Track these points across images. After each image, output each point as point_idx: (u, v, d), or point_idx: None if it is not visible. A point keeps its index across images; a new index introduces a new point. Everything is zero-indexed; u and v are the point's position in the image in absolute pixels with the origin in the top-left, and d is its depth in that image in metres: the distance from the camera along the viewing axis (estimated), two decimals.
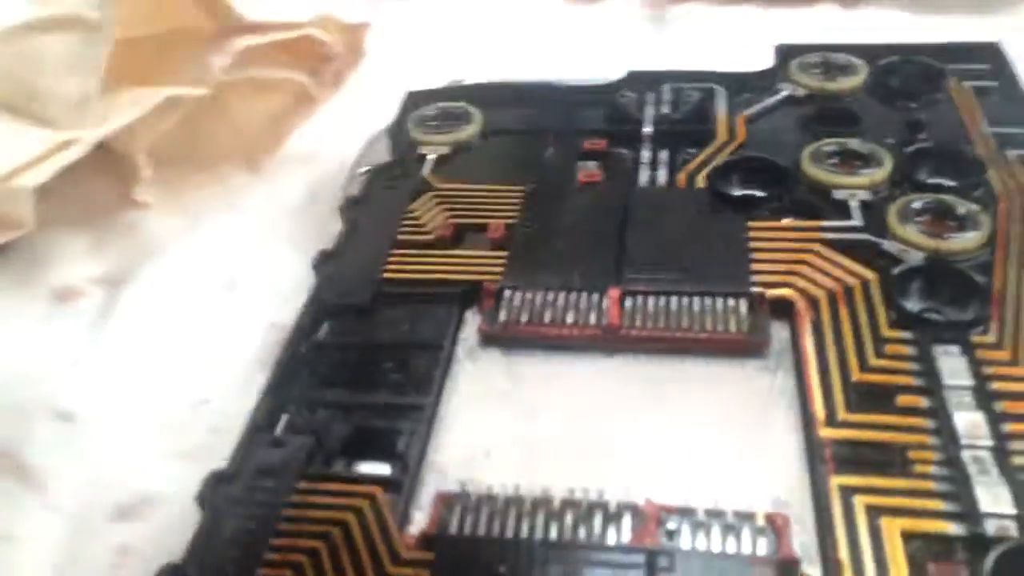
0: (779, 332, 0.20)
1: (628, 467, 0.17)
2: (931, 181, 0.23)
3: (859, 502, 0.15)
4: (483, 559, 0.15)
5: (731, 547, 0.15)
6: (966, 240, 0.20)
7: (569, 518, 0.16)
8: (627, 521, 0.15)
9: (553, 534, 0.15)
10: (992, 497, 0.15)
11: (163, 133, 0.26)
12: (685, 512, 0.16)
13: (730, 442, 0.17)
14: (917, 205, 0.21)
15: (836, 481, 0.16)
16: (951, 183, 0.22)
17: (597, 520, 0.16)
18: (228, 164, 0.28)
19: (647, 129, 0.26)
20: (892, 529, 0.15)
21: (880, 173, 0.23)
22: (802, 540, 0.15)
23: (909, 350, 0.18)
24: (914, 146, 0.24)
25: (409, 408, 0.18)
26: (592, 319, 0.20)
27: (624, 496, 0.16)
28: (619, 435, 0.18)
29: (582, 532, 0.15)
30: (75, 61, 0.24)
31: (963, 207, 0.21)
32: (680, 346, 0.19)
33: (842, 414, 0.17)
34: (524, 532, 0.15)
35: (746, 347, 0.19)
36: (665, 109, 0.27)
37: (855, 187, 0.22)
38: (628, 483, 0.16)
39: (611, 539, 0.15)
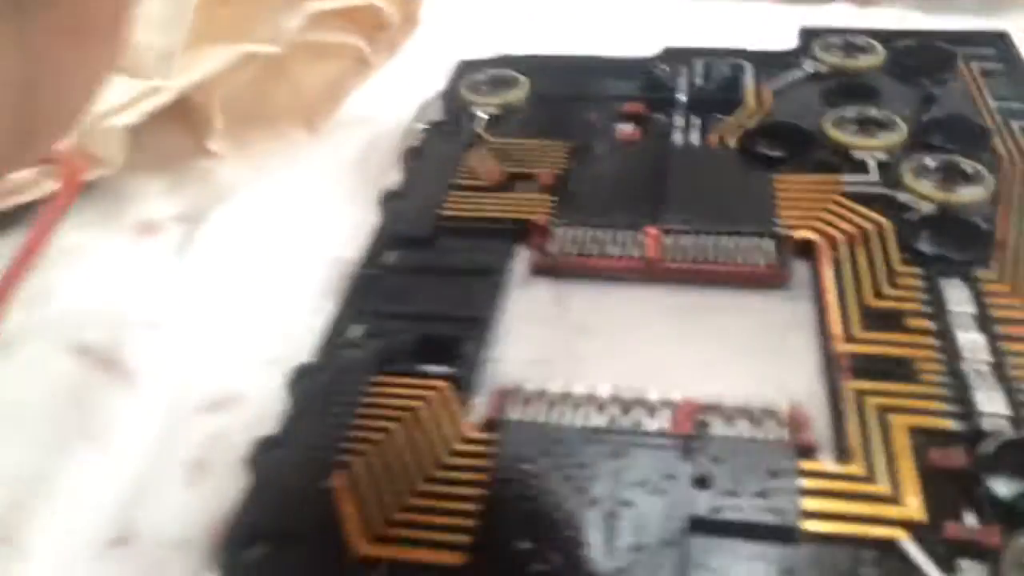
0: (801, 271, 0.22)
1: (665, 374, 0.19)
2: (942, 146, 0.25)
3: (871, 402, 0.17)
4: (537, 441, 0.17)
5: (757, 434, 0.17)
6: (973, 194, 0.22)
7: (614, 411, 0.18)
8: (665, 414, 0.18)
9: (599, 422, 0.17)
10: (989, 400, 0.17)
11: (233, 90, 0.28)
12: (716, 408, 0.18)
13: (755, 356, 0.19)
14: (929, 163, 0.23)
15: (851, 385, 0.18)
16: (960, 148, 0.24)
17: (639, 412, 0.18)
18: (288, 124, 0.30)
19: (681, 97, 0.28)
20: (900, 424, 0.17)
21: (896, 137, 0.25)
22: (821, 434, 0.17)
23: (919, 282, 0.20)
24: (927, 116, 0.26)
25: (469, 320, 0.20)
26: (634, 252, 0.22)
27: (663, 395, 0.18)
28: (657, 349, 0.20)
29: (626, 422, 0.17)
30: (163, 20, 0.26)
31: (971, 166, 0.23)
32: (712, 278, 0.21)
33: (858, 332, 0.19)
34: (574, 420, 0.17)
35: (771, 279, 0.21)
36: (698, 80, 0.29)
37: (873, 148, 0.24)
38: (666, 386, 0.18)
39: (651, 427, 0.17)
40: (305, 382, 0.18)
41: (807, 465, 0.16)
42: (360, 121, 0.31)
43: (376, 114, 0.31)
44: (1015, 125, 0.26)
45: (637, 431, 0.17)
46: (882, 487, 0.16)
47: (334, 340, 0.20)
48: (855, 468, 0.16)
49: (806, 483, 0.16)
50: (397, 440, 0.17)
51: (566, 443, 0.17)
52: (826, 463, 0.17)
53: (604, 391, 0.18)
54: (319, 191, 0.28)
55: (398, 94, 0.31)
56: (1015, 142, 0.25)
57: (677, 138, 0.27)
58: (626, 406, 0.18)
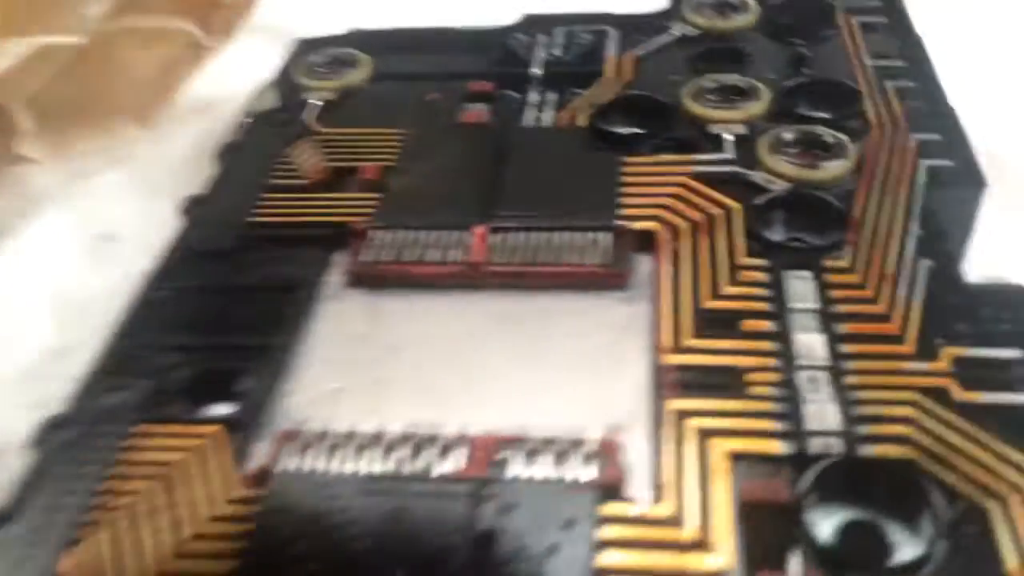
0: (643, 266, 0.19)
1: (476, 400, 0.17)
2: (808, 113, 0.22)
3: (691, 424, 0.15)
4: (312, 493, 0.15)
5: (558, 473, 0.15)
6: (832, 169, 0.20)
7: (403, 452, 0.15)
8: (461, 452, 0.15)
9: (384, 467, 0.15)
10: (819, 416, 0.15)
11: (46, 85, 0.26)
12: (519, 442, 0.15)
13: (580, 372, 0.17)
14: (787, 136, 0.21)
15: (672, 405, 0.16)
16: (827, 115, 0.22)
17: (431, 453, 0.15)
18: (118, 117, 0.28)
19: (536, 71, 0.26)
20: (720, 450, 0.15)
21: (757, 107, 0.22)
22: (636, 464, 0.15)
23: (762, 276, 0.18)
24: (794, 80, 0.23)
25: (259, 349, 0.18)
26: (457, 256, 0.19)
27: (465, 429, 0.16)
28: (473, 370, 0.18)
29: (414, 465, 0.15)
30: None
31: (831, 137, 0.21)
32: (543, 281, 0.19)
33: (688, 340, 0.17)
34: (356, 467, 0.15)
35: (607, 279, 0.19)
36: (556, 51, 0.26)
37: (731, 121, 0.22)
38: (473, 416, 0.16)
39: (441, 470, 0.15)
40: (54, 436, 0.16)
41: (609, 509, 0.14)
42: (197, 110, 0.28)
43: (214, 101, 0.28)
44: (890, 86, 0.23)
45: (424, 477, 0.15)
46: (690, 532, 0.14)
47: (97, 380, 0.17)
48: (664, 509, 0.14)
49: (606, 532, 0.14)
50: (149, 505, 0.15)
51: (340, 496, 0.15)
52: (632, 505, 0.14)
53: (397, 427, 0.16)
54: (142, 193, 0.25)
55: (239, 78, 0.28)
56: (887, 105, 0.23)
57: (529, 117, 0.24)
58: (418, 445, 0.16)
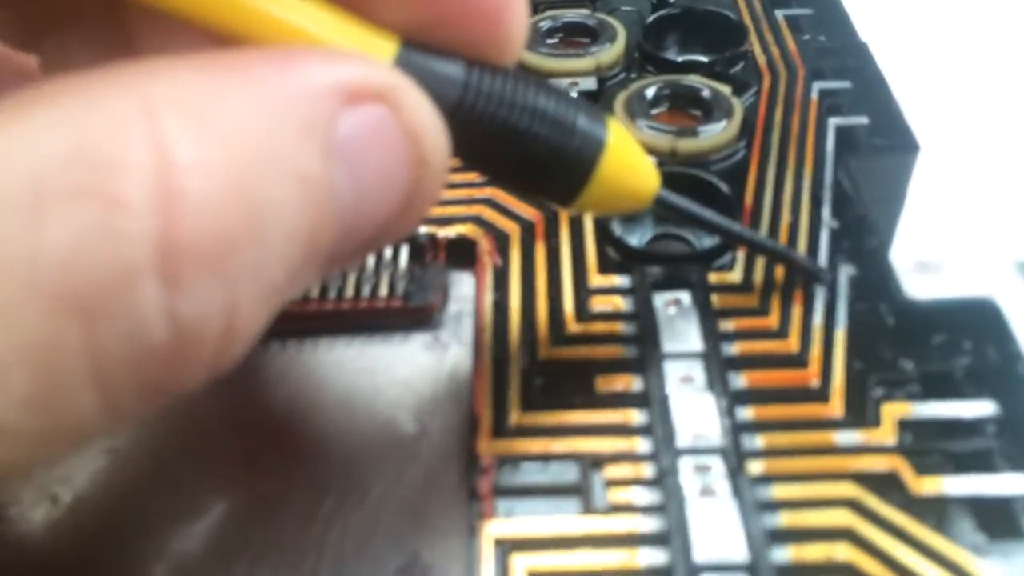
0: (462, 287, 0.14)
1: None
2: (678, 59, 0.17)
3: (517, 565, 0.10)
4: None
5: None
6: (712, 135, 0.15)
7: None
8: None
9: None
10: (714, 534, 0.10)
11: None
12: None
13: (350, 476, 0.12)
14: (651, 92, 0.16)
15: (491, 531, 0.10)
16: (703, 59, 0.17)
17: None
18: None
19: None
20: None
21: (610, 52, 0.17)
22: None
23: (623, 304, 0.13)
24: (657, 14, 0.18)
25: None
26: None
27: None
28: (171, 495, 0.12)
29: None
30: None
31: (709, 90, 0.16)
32: (309, 326, 0.13)
33: (516, 416, 0.11)
34: None
35: (404, 316, 0.13)
36: None
37: (576, 74, 0.17)
38: None
39: None
40: None
41: None
42: None
43: None
44: (780, 15, 0.18)
45: None
46: None
47: None
48: None
49: None
50: None
51: None
52: None
53: None
54: None
55: None
56: (779, 41, 0.17)
57: None
58: None
